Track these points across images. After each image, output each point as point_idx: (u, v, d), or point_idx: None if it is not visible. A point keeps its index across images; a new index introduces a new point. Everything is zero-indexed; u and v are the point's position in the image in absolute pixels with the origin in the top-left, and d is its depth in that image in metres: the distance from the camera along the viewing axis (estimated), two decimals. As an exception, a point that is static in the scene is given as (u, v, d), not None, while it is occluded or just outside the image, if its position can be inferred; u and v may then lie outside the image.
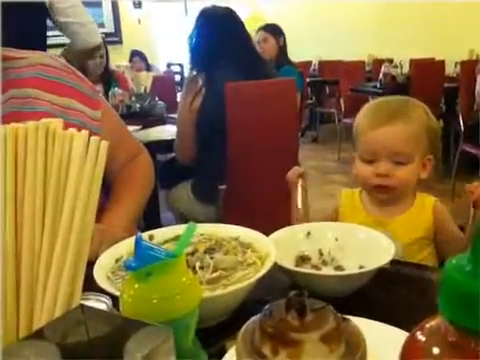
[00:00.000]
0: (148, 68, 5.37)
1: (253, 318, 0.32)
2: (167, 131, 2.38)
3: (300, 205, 0.96)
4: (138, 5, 8.17)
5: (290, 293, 0.30)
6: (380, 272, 0.70)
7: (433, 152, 1.01)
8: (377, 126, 0.97)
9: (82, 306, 0.37)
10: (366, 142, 0.99)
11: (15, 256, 0.38)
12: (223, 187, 1.89)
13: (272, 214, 1.89)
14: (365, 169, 0.99)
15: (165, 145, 2.15)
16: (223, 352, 0.56)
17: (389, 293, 0.73)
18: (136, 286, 0.43)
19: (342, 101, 4.91)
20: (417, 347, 0.26)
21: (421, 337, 0.27)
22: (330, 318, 0.30)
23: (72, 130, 0.39)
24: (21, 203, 0.38)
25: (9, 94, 0.90)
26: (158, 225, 2.06)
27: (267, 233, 0.77)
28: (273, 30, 3.24)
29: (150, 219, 2.15)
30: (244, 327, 0.31)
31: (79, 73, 1.02)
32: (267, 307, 0.31)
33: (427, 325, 0.27)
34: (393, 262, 0.71)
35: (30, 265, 0.38)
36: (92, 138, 0.38)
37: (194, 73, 1.94)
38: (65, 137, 0.37)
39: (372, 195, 1.03)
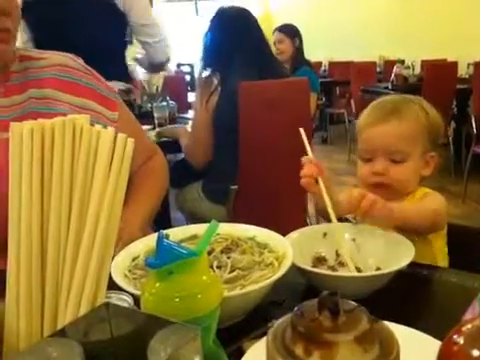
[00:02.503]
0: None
1: (283, 317, 0.32)
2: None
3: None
4: (149, 5, 8.18)
5: (323, 293, 0.30)
6: (397, 274, 0.69)
7: (435, 149, 0.99)
8: (372, 125, 0.97)
9: (107, 304, 0.37)
10: (363, 141, 1.00)
11: (41, 254, 0.37)
12: (235, 187, 1.89)
13: (284, 215, 1.89)
14: (364, 168, 0.99)
15: (176, 145, 2.15)
16: (239, 352, 0.55)
17: (406, 295, 0.72)
18: (158, 284, 0.43)
19: (353, 102, 4.88)
20: (456, 350, 0.26)
21: (459, 340, 0.26)
22: (363, 319, 0.29)
23: (99, 127, 0.39)
24: (47, 200, 0.38)
25: (28, 94, 0.91)
26: (169, 225, 2.06)
27: (279, 234, 0.76)
28: (288, 31, 3.25)
29: (161, 219, 2.15)
30: (274, 326, 0.31)
31: (97, 74, 1.02)
32: (298, 307, 0.31)
33: (464, 328, 0.26)
34: (410, 264, 0.70)
35: (56, 262, 0.38)
36: (119, 135, 0.38)
37: (207, 73, 1.93)
38: (92, 133, 0.37)
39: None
